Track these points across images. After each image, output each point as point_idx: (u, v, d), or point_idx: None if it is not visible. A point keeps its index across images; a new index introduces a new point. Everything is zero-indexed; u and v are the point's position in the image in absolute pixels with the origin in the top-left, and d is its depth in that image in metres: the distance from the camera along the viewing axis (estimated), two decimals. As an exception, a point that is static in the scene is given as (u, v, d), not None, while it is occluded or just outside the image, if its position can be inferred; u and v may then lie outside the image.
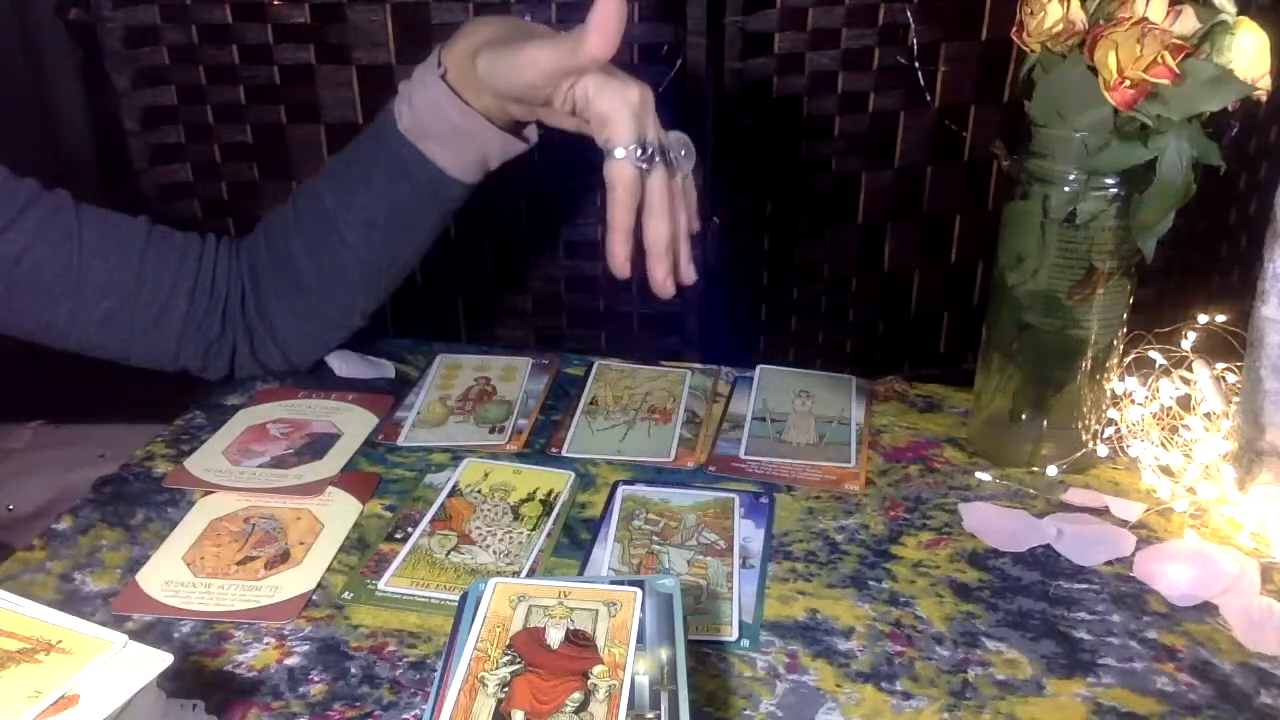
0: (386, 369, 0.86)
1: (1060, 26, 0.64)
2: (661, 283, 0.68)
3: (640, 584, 0.52)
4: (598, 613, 0.50)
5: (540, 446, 0.77)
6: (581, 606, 0.50)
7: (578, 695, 0.45)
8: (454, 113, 0.73)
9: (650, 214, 0.67)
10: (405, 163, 0.75)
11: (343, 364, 0.84)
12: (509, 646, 0.47)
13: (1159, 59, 0.60)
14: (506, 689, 0.45)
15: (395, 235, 0.78)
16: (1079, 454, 0.73)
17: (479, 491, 0.71)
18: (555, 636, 0.48)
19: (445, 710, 0.44)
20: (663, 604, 0.50)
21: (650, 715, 0.45)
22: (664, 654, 0.48)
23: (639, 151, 0.66)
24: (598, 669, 0.46)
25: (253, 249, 0.81)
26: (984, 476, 0.73)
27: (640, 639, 0.48)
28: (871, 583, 0.63)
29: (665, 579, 0.52)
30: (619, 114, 0.66)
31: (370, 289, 0.81)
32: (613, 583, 0.52)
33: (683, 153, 0.69)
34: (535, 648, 0.47)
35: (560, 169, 1.58)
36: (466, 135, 0.74)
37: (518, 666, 0.47)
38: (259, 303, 0.81)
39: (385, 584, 0.62)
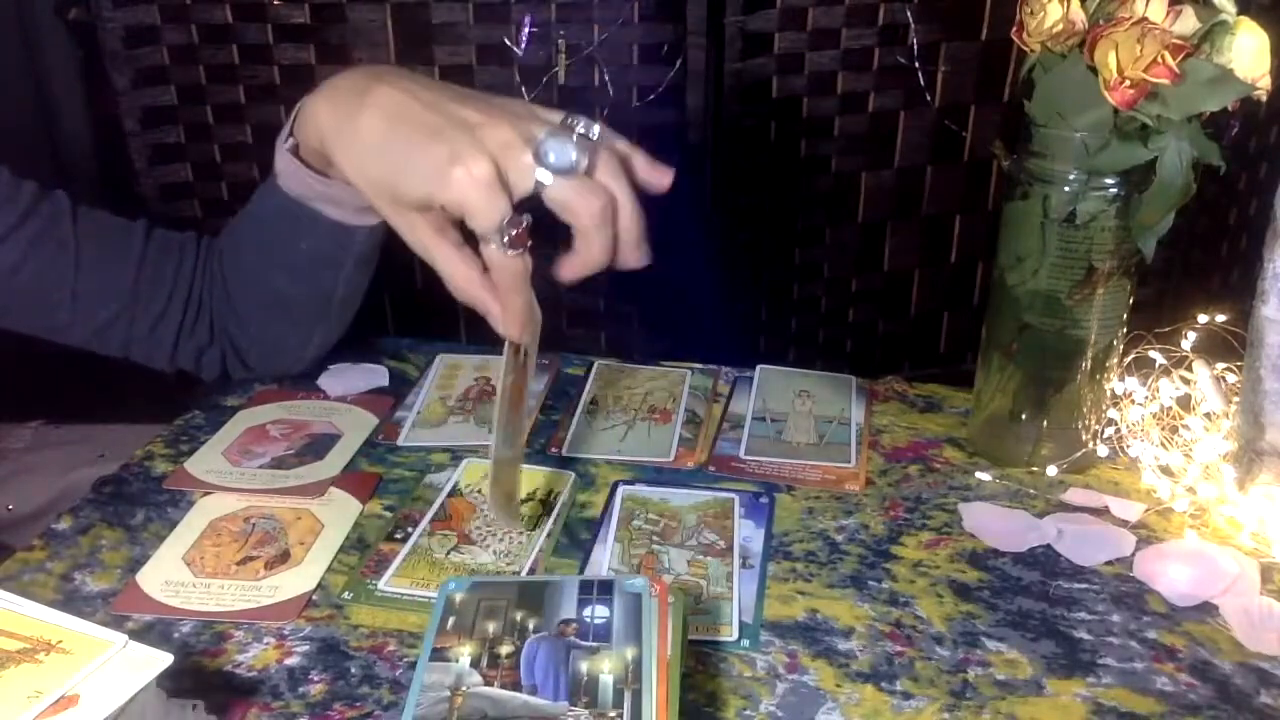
0: (379, 375, 0.86)
1: (1060, 26, 0.64)
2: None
3: (609, 584, 0.52)
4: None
5: (540, 446, 0.77)
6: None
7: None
8: (314, 182, 0.69)
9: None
10: (299, 219, 0.72)
11: (335, 382, 0.84)
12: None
13: (1159, 59, 0.60)
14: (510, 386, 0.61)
15: (321, 277, 0.76)
16: (1079, 454, 0.73)
17: (479, 492, 0.71)
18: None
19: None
20: (631, 604, 0.50)
21: (613, 714, 0.45)
22: (630, 653, 0.48)
23: (507, 236, 0.55)
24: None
25: (215, 269, 0.79)
26: (984, 476, 0.73)
27: (606, 638, 0.49)
28: (871, 583, 0.63)
29: (635, 579, 0.52)
30: (468, 199, 0.54)
31: (318, 323, 0.79)
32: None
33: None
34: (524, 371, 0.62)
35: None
36: (337, 198, 0.70)
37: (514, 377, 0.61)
38: (225, 320, 0.80)
39: (385, 584, 0.62)
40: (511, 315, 0.58)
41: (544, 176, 0.55)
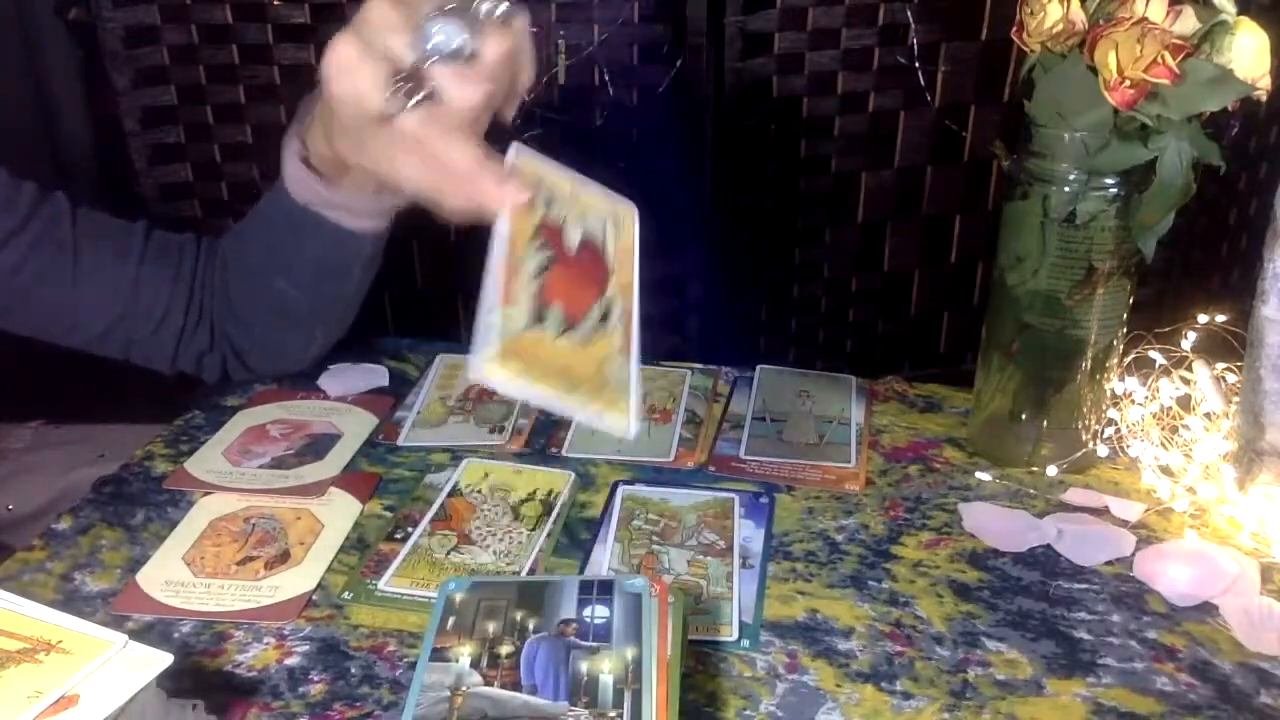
0: (379, 375, 0.86)
1: (1060, 26, 0.64)
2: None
3: (609, 584, 0.52)
4: (605, 225, 0.54)
5: (540, 446, 0.77)
6: (592, 214, 0.54)
7: (597, 306, 0.50)
8: (322, 189, 0.69)
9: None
10: (304, 226, 0.72)
11: (335, 382, 0.84)
12: (538, 233, 0.51)
13: (1159, 59, 0.60)
14: (543, 274, 0.50)
15: (325, 283, 0.76)
16: (1079, 454, 0.73)
17: (479, 491, 0.71)
18: (573, 237, 0.52)
19: (491, 287, 0.48)
20: (631, 604, 0.50)
21: (613, 714, 0.45)
22: (630, 653, 0.48)
23: (398, 96, 0.52)
24: (611, 285, 0.52)
25: (217, 271, 0.80)
26: (984, 476, 0.73)
27: (606, 638, 0.49)
28: (871, 583, 0.63)
29: (635, 579, 0.52)
30: (333, 85, 0.53)
31: (320, 324, 0.79)
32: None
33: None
34: (559, 242, 0.51)
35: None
36: (343, 204, 0.70)
37: (550, 253, 0.51)
38: (226, 322, 0.80)
39: (385, 584, 0.62)
40: (468, 175, 0.52)
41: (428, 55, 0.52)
